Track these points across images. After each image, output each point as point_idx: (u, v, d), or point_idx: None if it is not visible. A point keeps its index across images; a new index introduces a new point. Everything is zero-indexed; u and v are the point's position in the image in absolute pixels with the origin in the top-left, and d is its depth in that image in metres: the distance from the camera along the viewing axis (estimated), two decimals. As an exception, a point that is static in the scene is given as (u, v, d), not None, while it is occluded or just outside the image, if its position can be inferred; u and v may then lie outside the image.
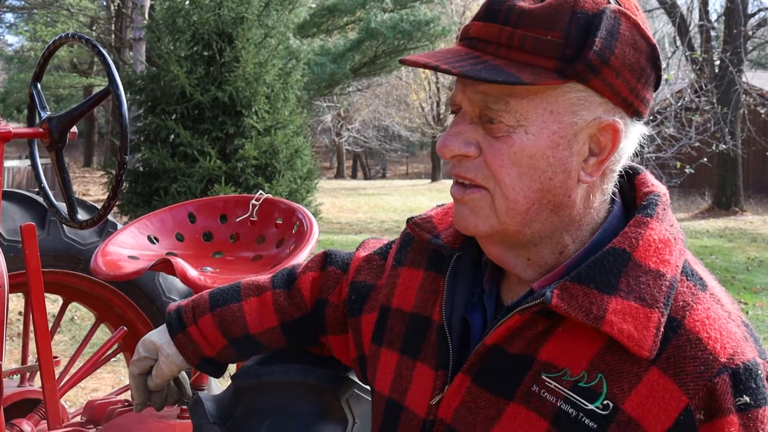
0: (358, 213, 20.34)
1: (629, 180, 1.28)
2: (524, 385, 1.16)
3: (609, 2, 1.15)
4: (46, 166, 3.27)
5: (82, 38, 2.38)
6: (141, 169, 11.95)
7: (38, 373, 2.49)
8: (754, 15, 20.53)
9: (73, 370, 3.20)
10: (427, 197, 24.41)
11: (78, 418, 2.80)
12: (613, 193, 1.24)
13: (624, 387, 1.10)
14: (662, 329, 1.10)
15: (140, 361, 1.66)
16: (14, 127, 2.32)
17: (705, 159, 14.42)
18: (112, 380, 5.58)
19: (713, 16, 22.63)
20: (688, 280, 1.16)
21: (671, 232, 1.19)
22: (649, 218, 1.19)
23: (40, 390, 2.80)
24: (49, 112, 2.36)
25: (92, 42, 2.33)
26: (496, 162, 1.16)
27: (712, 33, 20.80)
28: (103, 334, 4.63)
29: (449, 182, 1.26)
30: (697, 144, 14.24)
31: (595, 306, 1.11)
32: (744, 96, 18.71)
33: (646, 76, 1.17)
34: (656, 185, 1.26)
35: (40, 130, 2.33)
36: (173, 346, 1.62)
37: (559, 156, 1.16)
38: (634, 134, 1.21)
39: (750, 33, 20.10)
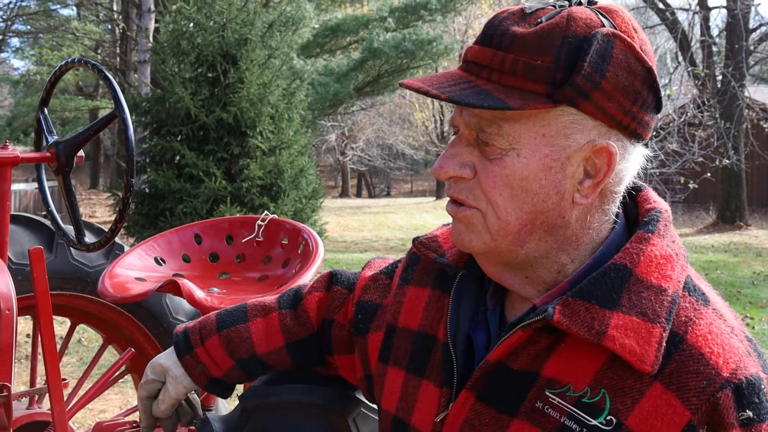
0: (363, 231, 20.34)
1: (632, 197, 1.28)
2: (528, 401, 1.16)
3: (603, 25, 1.16)
4: (53, 189, 3.29)
5: (88, 63, 2.40)
6: (147, 190, 11.97)
7: (47, 395, 2.50)
8: (755, 30, 20.55)
9: (81, 392, 3.21)
10: (431, 215, 24.42)
11: (86, 440, 2.80)
12: (617, 212, 1.24)
13: (627, 402, 1.10)
14: (664, 344, 1.10)
15: (148, 384, 1.66)
16: (21, 151, 2.34)
17: (709, 174, 14.43)
18: (119, 401, 5.58)
19: (714, 32, 22.69)
20: (690, 295, 1.17)
21: (673, 248, 1.20)
22: (650, 234, 1.19)
23: (49, 412, 2.81)
24: (56, 137, 2.38)
25: (98, 67, 2.35)
26: (489, 183, 1.18)
27: (714, 48, 20.84)
28: (110, 355, 4.64)
29: None
30: (700, 159, 14.24)
31: (596, 321, 1.12)
32: (747, 111, 18.72)
33: (642, 98, 1.17)
34: (658, 202, 1.26)
35: (48, 154, 2.35)
36: (181, 367, 1.62)
37: (552, 179, 1.16)
38: (635, 156, 1.21)
39: (752, 48, 20.13)
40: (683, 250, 1.22)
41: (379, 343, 1.46)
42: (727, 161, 15.99)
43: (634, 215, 1.27)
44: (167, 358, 1.65)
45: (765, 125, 18.59)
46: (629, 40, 1.16)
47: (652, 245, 1.18)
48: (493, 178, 1.17)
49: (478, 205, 1.20)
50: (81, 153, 2.36)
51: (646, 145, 1.24)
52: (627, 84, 1.15)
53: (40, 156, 2.34)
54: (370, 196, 43.62)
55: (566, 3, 1.20)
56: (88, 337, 7.20)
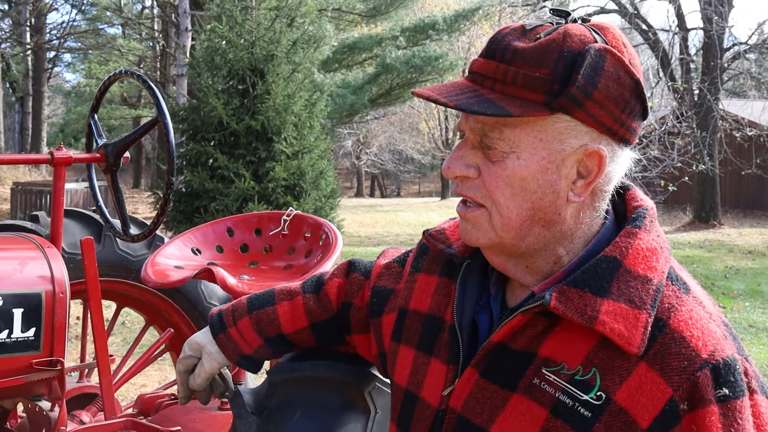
0: (376, 227, 20.31)
1: (620, 196, 1.28)
2: (526, 378, 1.16)
3: (596, 41, 1.15)
4: (101, 188, 3.29)
5: (134, 74, 2.41)
6: (183, 189, 11.99)
7: (95, 370, 2.51)
8: (729, 49, 20.38)
9: (125, 369, 3.21)
10: (437, 213, 24.35)
11: (130, 410, 2.81)
12: (606, 209, 1.24)
13: (615, 380, 1.10)
14: (650, 328, 1.10)
15: (186, 359, 1.67)
16: (73, 153, 2.35)
17: (686, 178, 14.35)
18: (159, 377, 5.59)
19: (692, 50, 22.53)
20: (673, 284, 1.16)
21: (658, 242, 1.19)
22: (637, 229, 1.19)
23: (96, 385, 2.82)
24: (104, 139, 2.39)
25: (143, 77, 2.36)
26: (492, 183, 1.18)
27: (692, 65, 20.70)
28: (150, 336, 4.65)
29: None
30: (679, 164, 14.18)
31: (589, 308, 1.11)
32: (721, 121, 18.58)
33: (630, 107, 1.16)
34: (644, 200, 1.26)
35: (97, 155, 2.35)
36: (215, 345, 1.64)
37: (548, 179, 1.16)
38: (623, 159, 1.20)
39: (726, 65, 19.99)
40: (667, 243, 1.21)
41: (392, 324, 1.46)
42: (703, 167, 15.91)
43: (622, 212, 1.26)
44: (203, 337, 1.65)
45: (737, 134, 18.48)
46: (619, 54, 1.15)
47: (639, 239, 1.18)
48: (496, 179, 1.17)
49: (484, 202, 1.19)
50: (127, 154, 2.37)
51: (633, 149, 1.23)
52: (617, 94, 1.14)
53: (91, 157, 2.35)
54: (382, 196, 43.54)
55: (562, 21, 1.20)
56: (130, 319, 7.22)
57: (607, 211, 1.24)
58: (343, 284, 1.65)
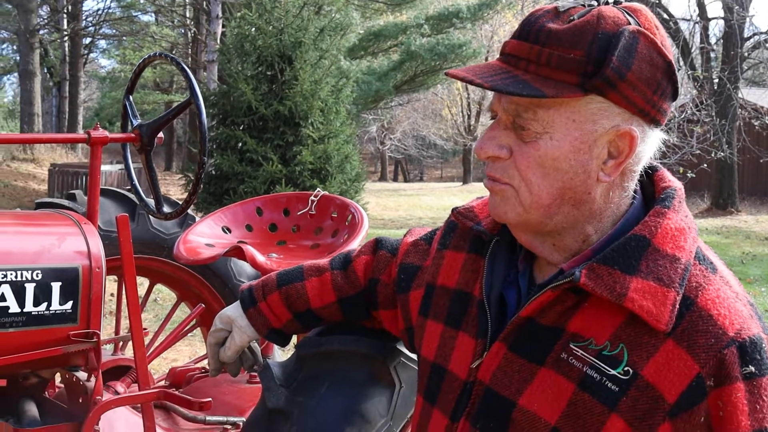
0: (399, 211, 20.31)
1: (649, 177, 1.26)
2: (554, 352, 1.15)
3: (629, 23, 1.13)
4: (135, 169, 3.30)
5: (168, 56, 2.40)
6: (213, 172, 12.04)
7: (129, 343, 2.52)
8: (749, 39, 20.08)
9: (156, 343, 3.24)
10: (459, 197, 24.28)
11: (162, 383, 2.83)
12: (636, 189, 1.22)
13: (643, 356, 1.08)
14: (677, 306, 1.08)
15: (217, 332, 1.68)
16: (109, 133, 2.35)
17: (705, 165, 14.18)
18: (189, 352, 5.64)
19: (713, 40, 22.22)
20: (700, 264, 1.15)
21: (686, 222, 1.17)
22: (666, 209, 1.17)
23: (130, 358, 2.84)
24: (139, 120, 2.39)
25: (176, 60, 2.35)
26: (524, 163, 1.16)
27: (712, 54, 20.41)
28: (181, 312, 4.68)
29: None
30: (698, 152, 14.02)
31: (618, 285, 1.10)
32: (740, 110, 18.34)
33: (662, 89, 1.15)
34: (673, 181, 1.24)
35: (132, 135, 2.35)
36: (245, 318, 1.64)
37: (580, 159, 1.14)
38: (652, 139, 1.18)
39: (746, 54, 19.71)
40: (694, 224, 1.20)
41: (420, 300, 1.45)
42: (722, 154, 15.72)
43: (650, 192, 1.24)
44: (234, 311, 1.66)
45: (756, 123, 18.24)
46: (652, 36, 1.14)
47: (668, 219, 1.16)
48: (528, 159, 1.16)
49: (511, 181, 1.18)
50: (161, 135, 2.36)
51: (662, 129, 1.21)
52: (649, 76, 1.13)
53: (126, 137, 2.35)
54: (406, 180, 43.51)
55: (595, 2, 1.18)
56: (162, 297, 7.28)
57: (635, 191, 1.22)
58: (370, 261, 1.65)
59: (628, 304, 1.09)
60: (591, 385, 1.10)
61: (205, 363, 3.44)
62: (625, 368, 1.09)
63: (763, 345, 1.08)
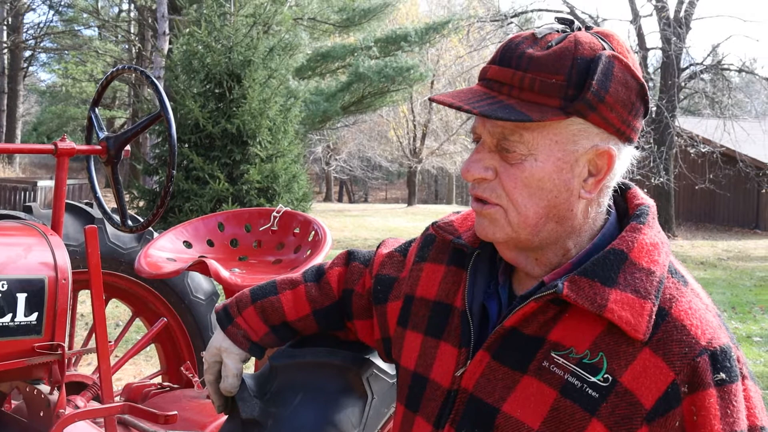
0: (344, 231, 20.27)
1: (622, 194, 1.32)
2: (536, 360, 1.19)
3: (604, 48, 1.19)
4: (76, 185, 3.27)
5: (137, 69, 2.40)
6: (158, 189, 11.90)
7: (81, 359, 2.48)
8: (685, 69, 20.74)
9: (112, 359, 3.19)
10: (403, 219, 24.36)
11: (117, 399, 2.79)
12: (609, 205, 1.28)
13: (621, 364, 1.13)
14: (654, 317, 1.14)
15: (210, 368, 1.64)
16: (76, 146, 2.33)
17: (645, 191, 14.54)
18: (134, 371, 5.53)
19: (651, 69, 22.90)
20: (673, 277, 1.21)
21: (659, 238, 1.24)
22: (642, 225, 1.23)
23: (85, 374, 2.81)
24: (105, 133, 2.37)
25: (146, 73, 2.35)
26: (510, 184, 1.21)
27: (650, 84, 21.03)
28: (136, 328, 4.60)
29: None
30: (638, 177, 14.40)
31: (598, 296, 1.15)
32: (676, 138, 18.91)
33: (636, 108, 1.21)
34: (645, 198, 1.30)
35: (99, 147, 2.34)
36: (227, 339, 1.62)
37: (563, 178, 1.20)
38: (626, 156, 1.25)
39: (682, 84, 20.35)
40: (666, 239, 1.26)
41: (398, 311, 1.48)
42: (659, 180, 16.17)
43: (623, 209, 1.30)
44: (216, 339, 1.64)
45: (691, 151, 18.82)
46: (625, 60, 1.20)
47: (644, 234, 1.22)
48: (515, 180, 1.20)
49: (500, 201, 1.22)
50: (128, 147, 2.36)
51: (635, 147, 1.27)
52: (625, 97, 1.19)
53: (93, 149, 2.34)
54: (350, 201, 43.51)
55: (568, 29, 1.24)
56: (109, 313, 7.14)
57: (609, 207, 1.28)
58: (343, 272, 1.67)
59: (608, 314, 1.14)
60: (572, 391, 1.15)
61: (158, 380, 3.41)
62: (605, 375, 1.13)
63: (732, 353, 1.14)
